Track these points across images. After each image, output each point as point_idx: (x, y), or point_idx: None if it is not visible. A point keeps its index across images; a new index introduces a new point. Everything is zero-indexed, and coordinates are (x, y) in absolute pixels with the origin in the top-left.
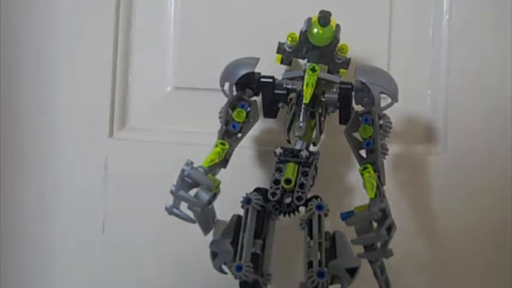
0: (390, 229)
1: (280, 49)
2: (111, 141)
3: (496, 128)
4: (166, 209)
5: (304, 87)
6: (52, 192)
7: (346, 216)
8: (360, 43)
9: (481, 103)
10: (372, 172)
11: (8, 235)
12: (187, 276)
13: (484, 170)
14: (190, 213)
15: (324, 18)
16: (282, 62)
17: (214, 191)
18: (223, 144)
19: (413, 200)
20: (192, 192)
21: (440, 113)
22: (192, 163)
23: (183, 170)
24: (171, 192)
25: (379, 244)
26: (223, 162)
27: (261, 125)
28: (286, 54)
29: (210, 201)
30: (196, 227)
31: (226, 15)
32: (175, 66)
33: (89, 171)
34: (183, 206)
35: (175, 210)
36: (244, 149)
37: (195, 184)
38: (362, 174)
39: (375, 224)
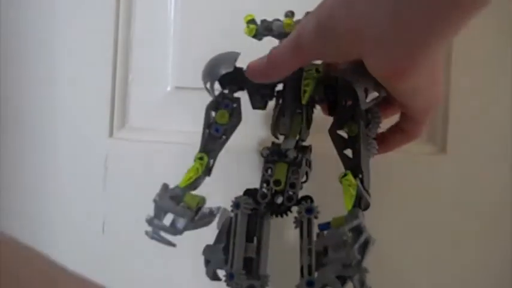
0: (367, 244)
1: (266, 27)
2: (111, 141)
3: (496, 128)
4: (146, 233)
5: (304, 87)
6: (52, 192)
7: (323, 228)
8: None
9: (481, 103)
10: (352, 180)
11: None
12: (188, 276)
13: (484, 170)
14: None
15: None
16: (254, 36)
17: (195, 209)
18: (201, 158)
19: (412, 200)
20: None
21: (440, 113)
22: (167, 187)
23: (154, 201)
24: (147, 221)
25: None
26: (206, 171)
27: (263, 124)
28: (265, 34)
29: (187, 228)
30: (198, 230)
31: (227, 15)
32: (175, 66)
33: (89, 171)
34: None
35: (156, 236)
36: (248, 149)
37: (176, 202)
38: (341, 182)
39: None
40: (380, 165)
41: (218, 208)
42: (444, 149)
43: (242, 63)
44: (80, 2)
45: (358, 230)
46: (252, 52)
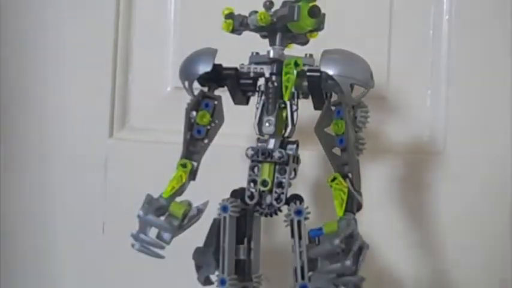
0: (361, 251)
1: (241, 22)
2: (111, 141)
3: (496, 127)
4: (133, 246)
5: (285, 83)
6: (52, 192)
7: (315, 234)
8: (359, 43)
9: (481, 103)
10: (343, 182)
11: (9, 235)
12: (188, 275)
13: (484, 169)
14: None
15: (317, 9)
16: (232, 32)
17: (181, 217)
18: (184, 166)
19: (412, 198)
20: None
21: (441, 113)
22: (151, 199)
23: (138, 216)
24: (132, 236)
25: None
26: (191, 176)
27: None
28: (241, 29)
29: (175, 236)
30: (197, 226)
31: None
32: (175, 66)
33: (89, 171)
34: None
35: (143, 249)
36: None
37: (161, 213)
38: (331, 186)
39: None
40: (380, 165)
41: (205, 204)
42: (444, 149)
43: (240, 61)
44: (80, 3)
45: (351, 238)
46: (252, 51)
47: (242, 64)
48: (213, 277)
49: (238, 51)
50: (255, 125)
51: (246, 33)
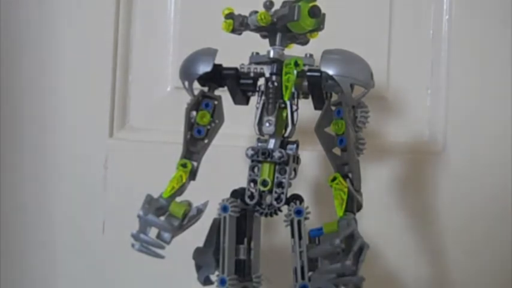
0: (361, 251)
1: (241, 22)
2: (111, 141)
3: (496, 127)
4: (133, 246)
5: (285, 83)
6: (52, 192)
7: (315, 234)
8: (359, 43)
9: (481, 103)
10: (343, 182)
11: (9, 235)
12: (188, 275)
13: (484, 169)
14: None
15: (317, 9)
16: (233, 32)
17: (181, 218)
18: (184, 165)
19: (413, 198)
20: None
21: (441, 113)
22: (151, 199)
23: (138, 216)
24: (132, 236)
25: None
26: (191, 176)
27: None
28: (242, 29)
29: (175, 236)
30: (197, 226)
31: None
32: (175, 66)
33: (89, 171)
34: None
35: (143, 249)
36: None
37: (161, 213)
38: (331, 186)
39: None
40: (380, 165)
41: (205, 204)
42: (444, 149)
43: (240, 61)
44: (80, 3)
45: (351, 238)
46: (252, 50)
47: (242, 64)
48: (213, 277)
49: (238, 51)
50: (255, 125)
51: (246, 33)
